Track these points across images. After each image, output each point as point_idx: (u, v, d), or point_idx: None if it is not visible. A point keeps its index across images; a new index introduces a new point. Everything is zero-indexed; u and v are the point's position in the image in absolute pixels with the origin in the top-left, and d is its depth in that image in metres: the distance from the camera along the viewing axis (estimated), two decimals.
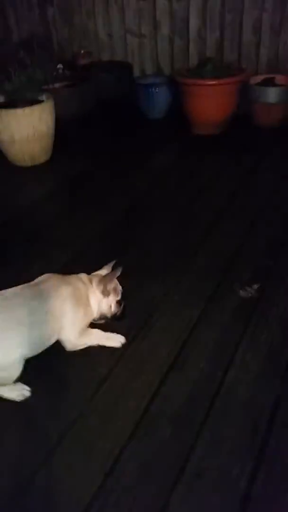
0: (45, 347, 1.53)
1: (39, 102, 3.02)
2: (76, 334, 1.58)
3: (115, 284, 1.67)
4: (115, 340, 1.66)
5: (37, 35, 4.16)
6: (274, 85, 3.40)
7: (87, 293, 1.62)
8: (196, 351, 1.63)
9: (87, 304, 1.62)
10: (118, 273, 1.65)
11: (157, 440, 1.35)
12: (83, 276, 1.67)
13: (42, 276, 1.63)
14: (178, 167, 3.08)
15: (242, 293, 1.86)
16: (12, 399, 1.46)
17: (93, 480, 1.25)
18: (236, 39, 3.58)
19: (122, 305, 1.70)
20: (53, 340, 1.55)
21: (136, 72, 4.04)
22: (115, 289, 1.67)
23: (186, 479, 1.24)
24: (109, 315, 1.69)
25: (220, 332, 1.71)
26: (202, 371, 1.56)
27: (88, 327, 1.65)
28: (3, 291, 1.51)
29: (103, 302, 1.65)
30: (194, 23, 3.66)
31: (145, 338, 1.70)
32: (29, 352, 1.46)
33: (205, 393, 1.48)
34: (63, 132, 3.25)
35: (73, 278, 1.64)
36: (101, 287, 1.64)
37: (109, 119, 3.60)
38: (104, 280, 1.64)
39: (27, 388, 1.49)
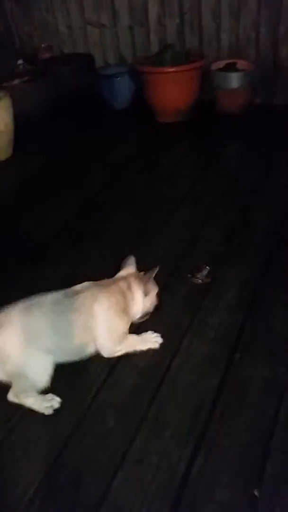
0: (81, 356, 1.54)
1: None
2: (113, 343, 1.56)
3: (152, 280, 1.68)
4: (151, 341, 1.62)
5: None
6: (236, 70, 3.38)
7: (127, 301, 1.60)
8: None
9: (126, 311, 1.60)
10: (156, 271, 1.66)
11: (102, 428, 1.36)
12: (122, 283, 1.63)
13: (83, 284, 1.60)
14: (141, 157, 3.07)
15: (193, 280, 1.87)
16: (40, 411, 1.41)
17: (37, 472, 1.27)
18: (196, 25, 3.55)
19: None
20: (90, 350, 1.55)
21: (99, 63, 4.00)
22: (154, 285, 1.69)
23: (128, 465, 1.26)
24: (152, 309, 1.70)
25: (170, 319, 1.73)
26: (150, 359, 1.58)
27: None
28: (43, 297, 1.52)
29: (146, 301, 1.66)
30: (153, 10, 3.62)
31: None
32: (58, 359, 1.47)
33: (151, 380, 1.49)
34: (24, 128, 3.22)
35: (112, 288, 1.60)
36: (142, 287, 1.64)
37: (71, 111, 3.57)
38: (144, 280, 1.65)
39: (58, 399, 1.44)
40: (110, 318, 1.54)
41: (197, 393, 1.43)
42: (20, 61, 3.82)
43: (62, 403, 1.43)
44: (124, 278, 1.66)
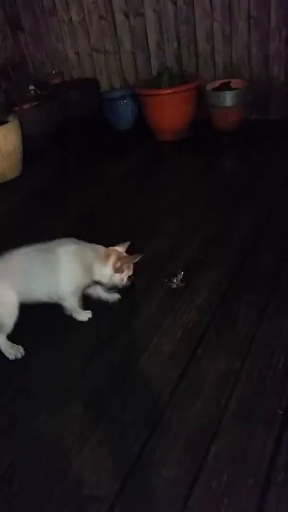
0: (42, 299, 1.79)
1: (5, 123, 3.26)
2: (69, 287, 1.80)
3: (131, 263, 1.88)
4: (83, 315, 1.89)
5: (14, 60, 4.45)
6: (230, 89, 3.55)
7: (93, 262, 1.82)
8: (119, 338, 1.80)
9: (89, 269, 1.82)
10: (138, 258, 1.87)
11: (68, 416, 1.51)
12: (101, 248, 1.87)
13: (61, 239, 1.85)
14: (138, 173, 3.25)
15: (169, 284, 2.01)
16: (5, 354, 1.75)
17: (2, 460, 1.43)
18: (192, 49, 3.76)
19: (132, 279, 1.91)
20: (51, 294, 1.79)
21: (105, 87, 4.27)
22: (129, 267, 1.88)
23: (88, 448, 1.40)
24: (120, 286, 1.91)
25: (144, 320, 1.88)
26: (121, 356, 1.72)
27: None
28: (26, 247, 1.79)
29: (115, 276, 1.86)
30: (152, 36, 3.86)
31: (75, 327, 1.87)
32: (24, 298, 1.72)
33: (119, 374, 1.64)
34: (32, 150, 3.49)
35: (87, 245, 1.86)
36: (118, 264, 1.83)
37: (77, 133, 3.83)
38: (123, 259, 1.85)
39: (23, 352, 1.76)
40: (72, 264, 1.78)
41: (158, 385, 1.57)
42: (31, 87, 4.12)
43: (33, 391, 1.61)
44: (107, 249, 1.88)
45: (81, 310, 1.89)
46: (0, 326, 1.73)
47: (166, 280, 2.03)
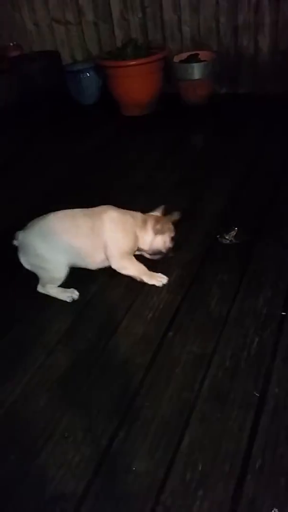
0: (91, 265, 1.83)
1: None
2: (117, 254, 1.78)
3: (170, 223, 1.86)
4: (157, 279, 1.80)
5: None
6: (198, 61, 3.42)
7: (134, 227, 1.81)
8: (86, 324, 1.68)
9: (132, 234, 1.81)
10: (176, 217, 1.87)
11: (32, 408, 1.40)
12: (139, 214, 1.87)
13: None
14: (105, 150, 3.10)
15: (222, 240, 1.99)
16: (63, 299, 1.78)
17: None
18: (158, 19, 3.59)
19: (176, 239, 1.89)
20: (97, 259, 1.80)
21: (68, 60, 4.05)
22: (169, 228, 1.86)
23: (53, 441, 1.30)
24: (163, 250, 1.88)
25: (112, 301, 1.77)
26: (88, 341, 1.61)
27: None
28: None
29: (157, 239, 1.84)
30: (115, 6, 3.66)
31: (39, 316, 1.75)
32: (73, 261, 1.78)
33: (86, 361, 1.53)
34: None
35: (127, 212, 1.86)
36: (158, 226, 1.83)
37: (38, 108, 3.61)
38: (161, 219, 1.85)
39: (77, 292, 1.80)
40: (116, 229, 1.78)
41: (128, 371, 1.46)
42: None
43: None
44: (145, 214, 1.88)
45: (151, 273, 1.82)
46: (51, 279, 1.79)
47: (218, 236, 1.99)
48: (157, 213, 1.94)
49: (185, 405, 1.33)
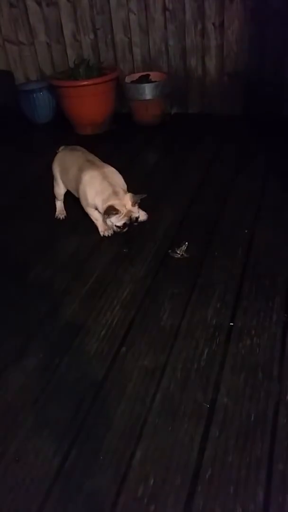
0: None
1: None
2: (83, 204, 2.21)
3: (119, 215, 2.03)
4: (101, 229, 2.22)
5: None
6: (149, 81, 3.52)
7: (96, 193, 2.08)
8: (38, 343, 1.66)
9: (94, 196, 2.10)
10: (119, 214, 2.03)
11: None
12: (109, 188, 2.06)
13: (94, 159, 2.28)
14: None
15: (173, 254, 2.04)
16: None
17: None
18: (109, 40, 3.68)
19: (125, 229, 2.08)
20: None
21: (21, 80, 4.05)
22: (117, 218, 2.03)
23: (4, 465, 1.26)
24: (113, 228, 2.12)
25: (65, 320, 1.75)
26: (40, 360, 1.59)
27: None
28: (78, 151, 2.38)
29: (107, 219, 2.07)
30: (67, 27, 3.72)
31: None
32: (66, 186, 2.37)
33: (38, 381, 1.50)
34: None
35: (110, 183, 2.09)
36: (104, 207, 2.03)
37: None
38: (109, 209, 2.01)
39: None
40: (85, 187, 2.13)
41: (80, 389, 1.45)
42: None
43: None
44: (118, 196, 2.04)
45: (99, 223, 2.22)
46: (56, 195, 2.45)
47: (169, 251, 2.04)
48: (132, 197, 2.04)
49: (137, 420, 1.33)
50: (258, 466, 1.18)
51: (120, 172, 2.96)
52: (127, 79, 3.56)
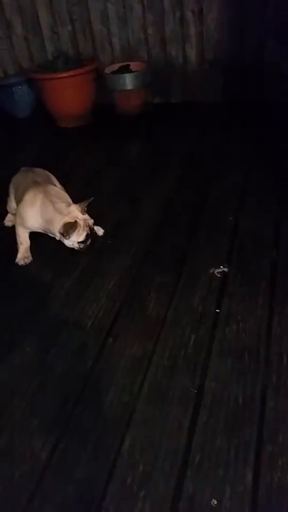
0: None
1: None
2: (16, 217, 2.04)
3: (78, 229, 1.86)
4: (20, 257, 2.04)
5: None
6: (129, 72, 3.48)
7: (40, 216, 1.93)
8: (25, 338, 1.65)
9: (34, 219, 1.95)
10: (78, 229, 1.85)
11: None
12: (62, 206, 1.89)
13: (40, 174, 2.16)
14: (39, 163, 3.03)
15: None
16: None
17: None
18: (87, 31, 3.63)
19: (88, 242, 1.91)
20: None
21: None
22: (77, 233, 1.86)
23: None
24: (76, 249, 1.92)
25: (53, 313, 1.74)
26: (28, 355, 1.57)
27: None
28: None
29: (64, 241, 1.89)
30: (44, 19, 3.66)
31: None
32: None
33: (25, 375, 1.49)
34: None
35: (56, 200, 1.92)
36: (61, 229, 1.85)
37: None
38: (66, 227, 1.84)
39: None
40: (24, 206, 1.96)
41: (68, 381, 1.45)
42: None
43: None
44: (66, 208, 1.88)
45: (22, 248, 2.04)
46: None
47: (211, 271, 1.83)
48: (79, 206, 1.90)
49: (125, 409, 1.33)
50: (246, 449, 1.18)
51: (104, 164, 2.96)
52: (107, 70, 3.53)
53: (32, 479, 1.19)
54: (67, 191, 2.18)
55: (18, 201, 2.05)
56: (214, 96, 3.53)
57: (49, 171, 2.32)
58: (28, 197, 1.95)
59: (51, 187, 2.04)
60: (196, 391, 1.34)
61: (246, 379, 1.36)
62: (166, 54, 3.54)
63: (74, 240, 1.88)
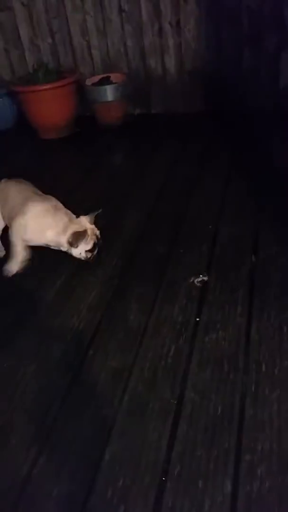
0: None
1: None
2: (15, 235, 1.92)
3: (86, 238, 1.86)
4: (14, 268, 1.97)
5: None
6: (110, 83, 3.51)
7: (48, 228, 1.87)
8: (3, 351, 1.63)
9: (39, 231, 1.89)
10: (86, 237, 1.85)
11: None
12: (64, 219, 1.88)
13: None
14: (20, 174, 3.05)
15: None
16: None
17: None
18: (67, 44, 3.66)
19: (95, 252, 1.92)
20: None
21: None
22: (85, 241, 1.86)
23: None
24: (82, 259, 1.92)
25: (32, 327, 1.73)
26: (5, 369, 1.55)
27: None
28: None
29: (72, 250, 1.88)
30: (24, 31, 3.69)
31: None
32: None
33: (3, 390, 1.47)
34: None
35: (55, 212, 1.89)
36: (70, 239, 1.84)
37: None
38: (76, 236, 1.83)
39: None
40: (28, 220, 1.88)
41: (47, 396, 1.43)
42: None
43: None
44: (71, 221, 1.88)
45: (15, 260, 1.96)
46: None
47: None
48: (88, 217, 1.91)
49: (105, 422, 1.32)
50: (226, 459, 1.18)
51: (86, 175, 2.97)
52: (88, 82, 3.56)
53: (12, 494, 1.18)
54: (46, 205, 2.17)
55: (12, 214, 1.94)
56: (194, 106, 3.58)
57: (32, 182, 2.31)
58: (37, 209, 1.89)
59: (56, 201, 1.99)
60: (175, 402, 1.35)
61: (225, 388, 1.37)
62: (146, 65, 3.59)
63: (82, 249, 1.88)
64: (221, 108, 3.49)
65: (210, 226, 2.16)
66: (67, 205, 2.11)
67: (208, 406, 1.32)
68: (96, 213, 1.94)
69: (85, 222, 1.90)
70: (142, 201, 2.51)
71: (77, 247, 1.87)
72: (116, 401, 1.38)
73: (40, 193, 2.05)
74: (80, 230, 1.85)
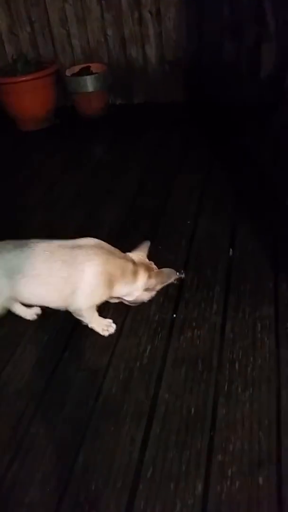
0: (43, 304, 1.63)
1: None
2: (85, 303, 1.54)
3: (164, 283, 1.62)
4: (103, 328, 1.62)
5: None
6: (90, 73, 3.45)
7: (121, 280, 1.53)
8: None
9: (112, 287, 1.52)
10: (172, 279, 1.61)
11: None
12: (130, 265, 1.54)
13: (88, 239, 1.55)
14: None
15: None
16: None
17: None
18: (47, 33, 3.57)
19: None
20: (55, 304, 1.58)
21: None
22: (161, 281, 1.60)
23: None
24: (146, 300, 1.64)
25: (7, 328, 1.71)
26: None
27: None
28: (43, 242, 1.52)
29: (145, 294, 1.60)
30: (2, 21, 3.58)
31: None
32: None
33: None
34: None
35: (117, 260, 1.53)
36: (151, 282, 1.56)
37: None
38: (156, 278, 1.57)
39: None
40: (96, 282, 1.49)
41: (22, 399, 1.43)
42: None
43: None
44: (136, 262, 1.57)
45: (99, 322, 1.63)
46: None
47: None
48: (142, 253, 1.65)
49: (79, 425, 1.32)
50: (197, 460, 1.19)
51: (66, 167, 2.93)
52: (68, 72, 3.48)
53: None
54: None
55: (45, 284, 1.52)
56: (175, 96, 3.53)
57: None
58: (94, 267, 1.48)
59: (98, 241, 1.58)
60: (149, 403, 1.35)
61: (199, 388, 1.37)
62: (126, 55, 3.51)
63: (153, 292, 1.63)
64: (202, 99, 3.44)
65: (188, 222, 2.15)
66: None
67: (182, 406, 1.33)
68: (147, 246, 1.68)
69: (140, 258, 1.62)
70: (121, 195, 2.48)
71: (153, 290, 1.62)
72: (90, 403, 1.38)
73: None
74: (149, 268, 1.60)
